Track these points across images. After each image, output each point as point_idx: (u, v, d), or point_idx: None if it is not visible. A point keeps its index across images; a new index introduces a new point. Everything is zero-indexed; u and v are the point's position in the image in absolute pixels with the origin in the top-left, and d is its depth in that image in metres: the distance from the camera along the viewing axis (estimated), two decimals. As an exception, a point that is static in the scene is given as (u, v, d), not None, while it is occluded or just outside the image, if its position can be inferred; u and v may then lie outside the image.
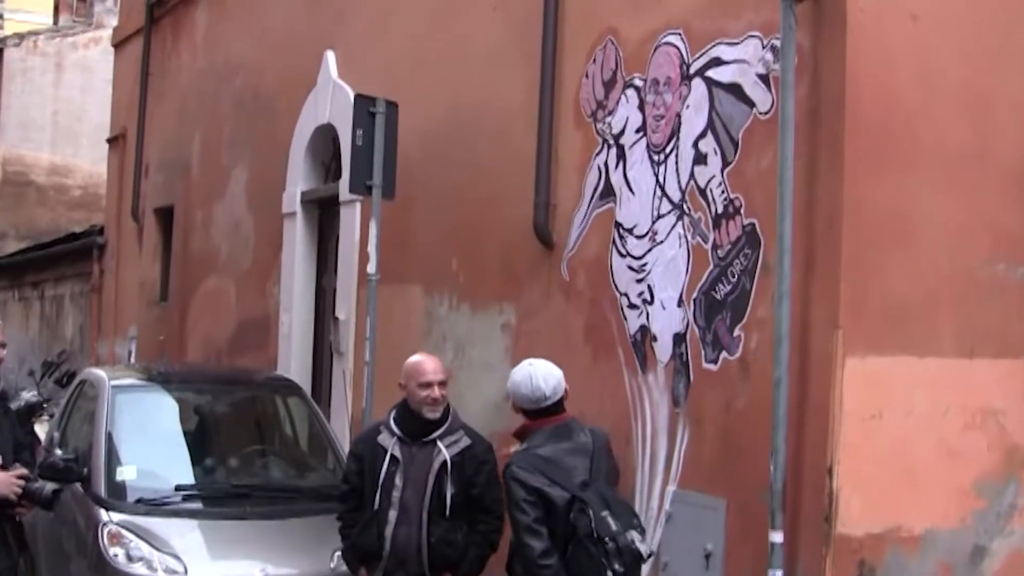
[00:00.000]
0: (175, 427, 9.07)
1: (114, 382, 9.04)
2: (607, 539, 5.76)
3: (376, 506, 6.65)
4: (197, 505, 8.09)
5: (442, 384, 6.70)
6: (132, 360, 16.96)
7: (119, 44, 19.26)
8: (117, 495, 7.93)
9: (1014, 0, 6.54)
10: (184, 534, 7.68)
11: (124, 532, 7.60)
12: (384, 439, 6.72)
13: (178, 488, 8.08)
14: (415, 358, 6.87)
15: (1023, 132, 6.53)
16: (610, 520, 5.82)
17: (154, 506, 7.88)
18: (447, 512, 6.59)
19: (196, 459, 8.73)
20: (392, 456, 6.65)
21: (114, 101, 19.61)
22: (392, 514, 6.62)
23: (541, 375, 6.14)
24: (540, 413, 6.10)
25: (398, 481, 6.62)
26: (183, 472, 8.42)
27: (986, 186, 6.44)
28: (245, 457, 9.05)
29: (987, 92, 6.47)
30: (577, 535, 5.79)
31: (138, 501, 7.88)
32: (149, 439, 8.77)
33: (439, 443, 6.65)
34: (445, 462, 6.61)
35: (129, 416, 8.67)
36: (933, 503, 6.28)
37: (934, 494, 6.28)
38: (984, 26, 6.47)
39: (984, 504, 6.38)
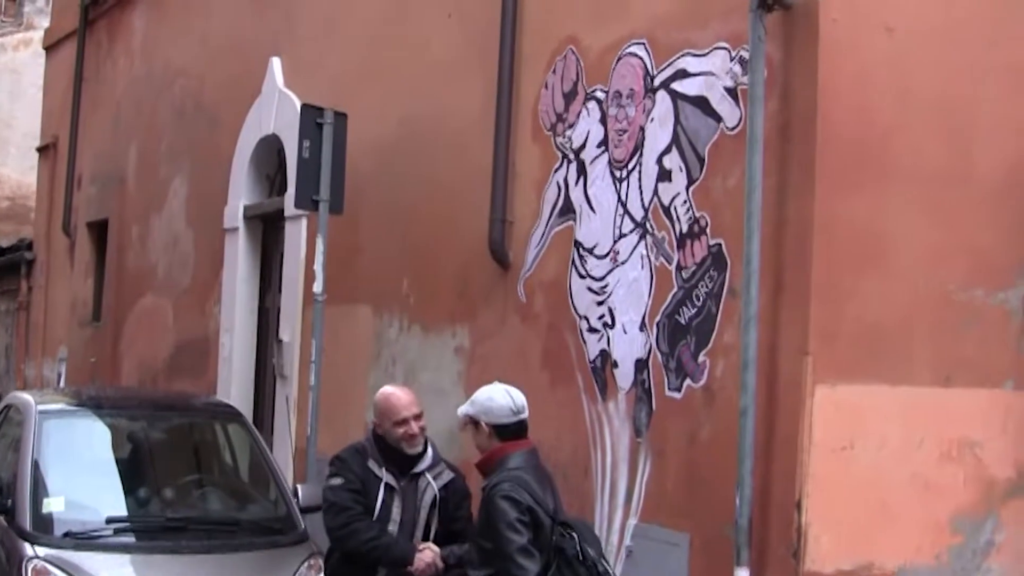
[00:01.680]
0: (107, 455, 8.98)
1: (41, 407, 8.94)
2: (593, 563, 5.81)
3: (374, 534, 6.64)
4: (129, 539, 8.01)
5: (417, 417, 6.66)
6: (61, 383, 16.84)
7: (51, 47, 19.19)
8: (43, 528, 7.83)
9: (993, 14, 6.59)
10: (115, 570, 7.60)
11: (50, 568, 7.51)
12: (374, 467, 6.69)
13: (109, 520, 7.99)
14: (385, 392, 6.80)
15: (1003, 150, 6.57)
16: (587, 547, 5.86)
17: (83, 540, 7.78)
18: None
19: (129, 490, 8.64)
20: (387, 485, 6.62)
21: (45, 107, 19.51)
22: None
23: (506, 390, 6.16)
24: (512, 433, 6.06)
25: (395, 514, 6.59)
26: (115, 503, 8.33)
27: (964, 207, 6.48)
28: (181, 488, 8.98)
29: (965, 109, 6.51)
30: (564, 557, 5.80)
31: (66, 535, 7.79)
32: (79, 468, 8.68)
33: (427, 475, 6.65)
34: (435, 496, 6.61)
35: (57, 443, 8.58)
36: (907, 539, 6.30)
37: (908, 529, 6.30)
38: (962, 40, 6.51)
39: (960, 540, 6.40)
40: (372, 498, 6.59)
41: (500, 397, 6.10)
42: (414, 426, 6.62)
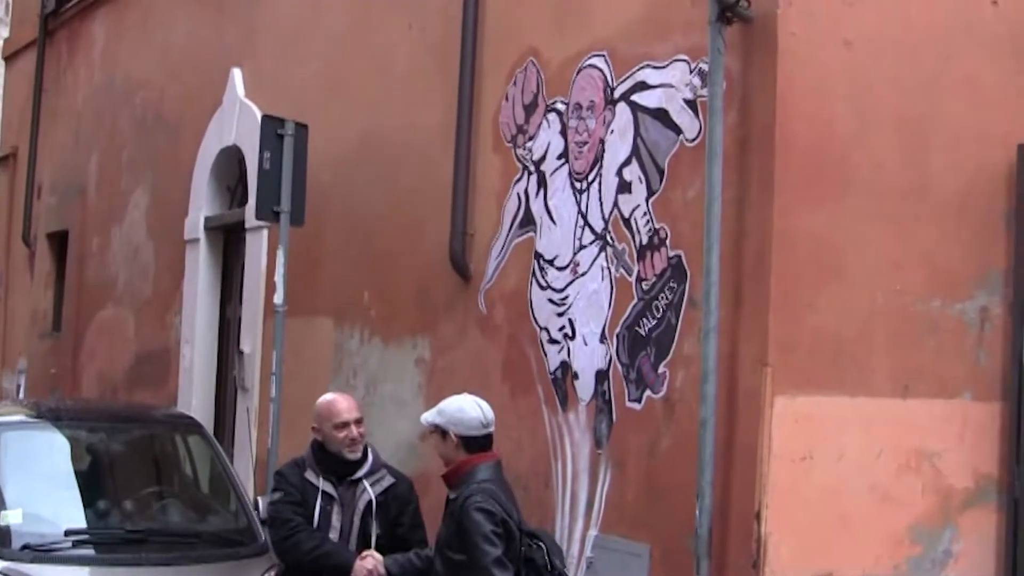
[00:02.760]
0: (66, 467, 8.90)
1: (0, 419, 8.89)
2: (559, 573, 5.89)
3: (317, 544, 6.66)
4: (89, 551, 7.93)
5: (358, 422, 6.69)
6: (20, 395, 16.71)
7: (10, 57, 19.06)
8: (1, 541, 7.77)
9: (950, 28, 6.63)
10: (74, 582, 7.56)
11: (8, 580, 7.48)
12: (311, 477, 6.71)
13: (68, 533, 7.92)
14: (327, 397, 6.84)
15: (960, 163, 6.61)
16: (553, 557, 5.89)
17: (41, 552, 7.71)
18: None
19: (88, 502, 8.57)
20: (325, 493, 6.63)
21: (4, 118, 19.36)
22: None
23: (475, 401, 6.16)
24: (478, 444, 6.04)
25: (334, 521, 6.61)
26: (74, 516, 8.26)
27: (922, 219, 6.51)
28: (141, 500, 8.91)
29: (923, 122, 6.55)
30: (534, 567, 5.85)
31: (24, 547, 7.71)
32: (37, 480, 8.60)
33: (364, 482, 6.64)
34: (371, 502, 6.61)
35: (15, 455, 8.51)
36: (866, 549, 6.31)
37: (867, 540, 6.32)
38: (920, 53, 6.55)
39: (919, 550, 6.43)
40: (311, 508, 6.63)
41: (471, 409, 6.09)
42: (354, 430, 6.65)
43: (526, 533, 5.93)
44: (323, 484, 6.64)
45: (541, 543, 5.90)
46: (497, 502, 5.85)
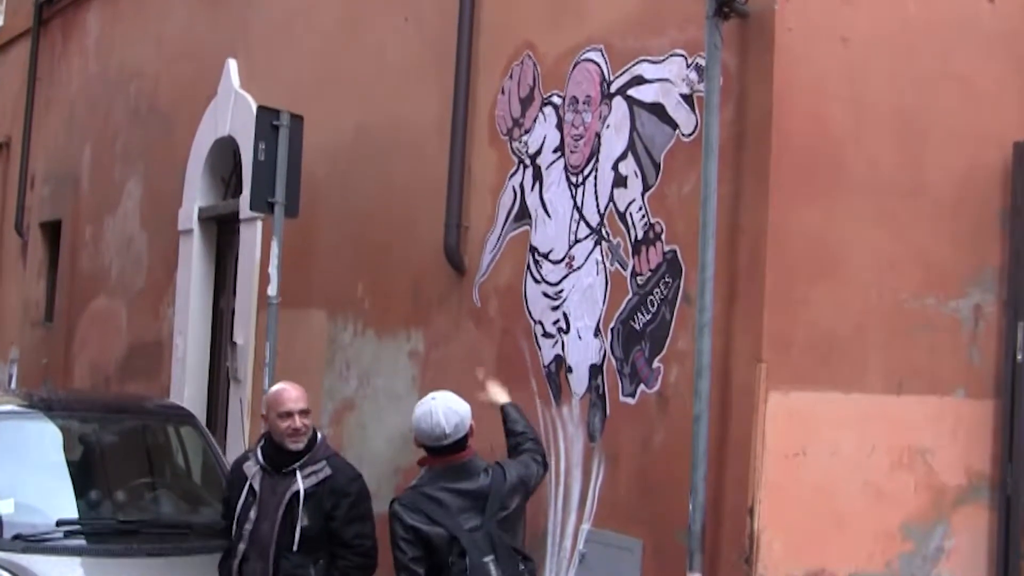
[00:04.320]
0: (58, 458, 8.90)
1: (-8, 409, 8.89)
2: None
3: (232, 538, 6.72)
4: (80, 542, 7.93)
5: (304, 413, 6.67)
6: (12, 385, 16.69)
7: (4, 46, 19.02)
8: (-8, 531, 7.79)
9: (947, 26, 6.65)
10: (65, 573, 7.51)
11: None
12: (248, 467, 6.76)
13: (60, 523, 7.92)
14: (276, 387, 6.85)
15: (955, 161, 6.62)
16: (491, 567, 5.76)
17: (33, 543, 7.70)
18: (295, 545, 6.55)
19: (80, 492, 8.56)
20: (250, 487, 6.68)
21: (-2, 107, 19.37)
22: (242, 547, 6.64)
23: (442, 411, 5.88)
24: (438, 451, 5.92)
25: (252, 514, 6.64)
26: (66, 506, 8.25)
27: (917, 216, 6.52)
28: (133, 491, 8.90)
29: (919, 119, 6.56)
30: None
31: (15, 537, 7.71)
32: (29, 470, 8.59)
33: (297, 473, 6.64)
34: (297, 493, 6.59)
35: (7, 446, 8.50)
36: (858, 545, 6.33)
37: (859, 536, 6.33)
38: (917, 51, 6.56)
39: (911, 547, 6.45)
40: (236, 500, 6.72)
41: (424, 423, 5.88)
42: (298, 421, 6.63)
43: (458, 541, 5.79)
44: (253, 477, 6.67)
45: (465, 554, 5.78)
46: (419, 508, 5.77)
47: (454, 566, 5.75)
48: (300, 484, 6.59)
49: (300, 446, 6.65)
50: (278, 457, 6.67)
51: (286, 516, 6.57)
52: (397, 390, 8.97)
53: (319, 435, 6.79)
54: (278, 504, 6.60)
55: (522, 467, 6.12)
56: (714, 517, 6.25)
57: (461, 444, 5.95)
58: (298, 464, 6.64)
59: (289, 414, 6.63)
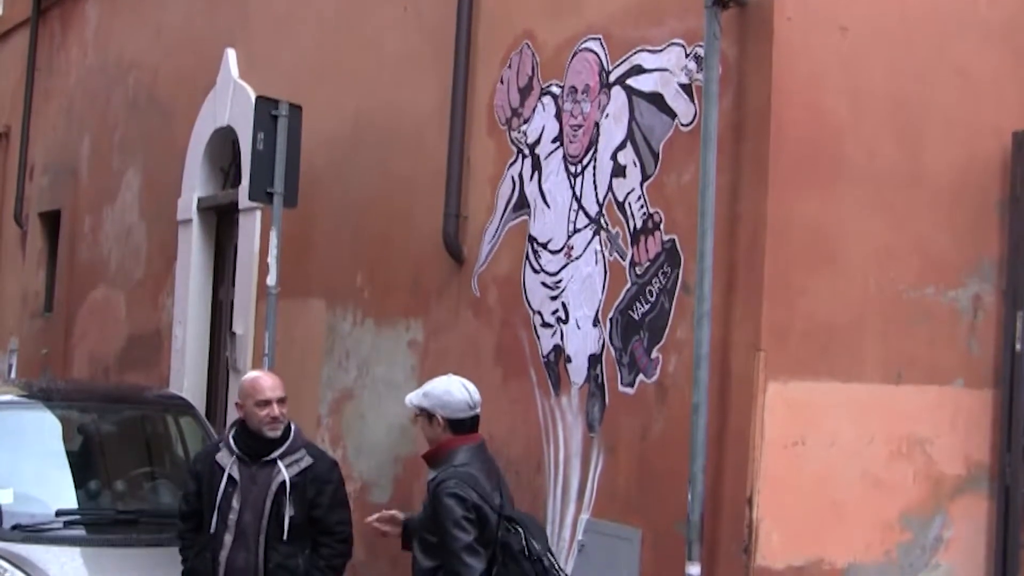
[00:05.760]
0: (57, 447, 8.92)
1: (-9, 399, 8.90)
2: (538, 557, 5.77)
3: (213, 529, 6.68)
4: (80, 532, 7.95)
5: (281, 401, 6.71)
6: (12, 375, 16.70)
7: (2, 36, 19.00)
8: (-9, 521, 7.79)
9: (946, 15, 6.64)
10: (65, 563, 7.53)
11: (-1, 560, 7.47)
12: (223, 458, 6.75)
13: (59, 513, 7.94)
14: (251, 374, 6.90)
15: (954, 151, 6.62)
16: (533, 541, 5.83)
17: (32, 533, 7.73)
18: (284, 535, 6.60)
19: (79, 482, 8.58)
20: (230, 476, 6.67)
21: (-4, 97, 19.36)
22: (228, 538, 6.65)
23: (463, 383, 6.05)
24: (465, 427, 5.97)
25: (235, 503, 6.64)
26: (65, 496, 8.28)
27: (915, 206, 6.52)
28: (132, 480, 8.92)
29: (917, 109, 6.55)
30: (510, 552, 5.74)
31: (15, 527, 7.73)
32: (28, 460, 8.61)
33: (279, 463, 6.64)
34: (284, 483, 6.61)
35: (6, 435, 8.53)
36: (857, 535, 6.33)
37: (858, 526, 6.33)
38: (915, 41, 6.55)
39: (909, 537, 6.45)
40: (214, 492, 6.68)
41: (458, 391, 5.99)
42: (276, 409, 6.66)
43: (505, 517, 5.87)
44: (231, 467, 6.66)
45: (519, 527, 5.85)
46: (473, 487, 5.77)
47: (510, 539, 5.75)
48: (285, 474, 6.61)
49: (278, 434, 6.69)
50: (255, 446, 6.68)
51: (274, 506, 6.59)
52: (396, 379, 8.97)
53: (292, 424, 6.81)
54: (263, 494, 6.62)
55: None
56: (713, 507, 6.25)
57: (479, 420, 6.08)
58: (278, 453, 6.66)
59: (267, 402, 6.65)
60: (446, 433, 5.96)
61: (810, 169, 6.28)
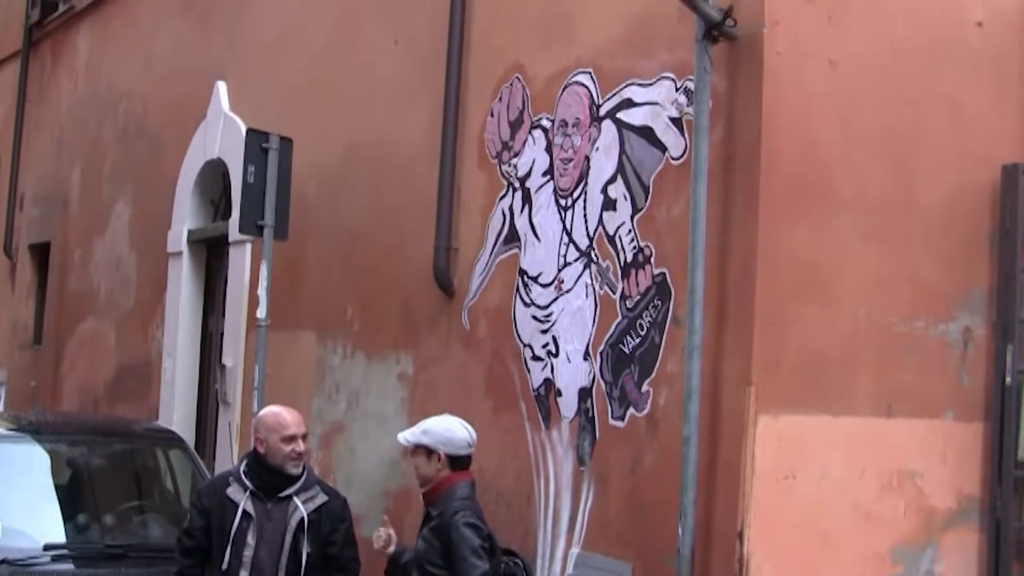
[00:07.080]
0: (45, 481, 8.89)
1: (-21, 432, 8.88)
2: None
3: (226, 565, 6.58)
4: (68, 566, 7.92)
5: (304, 437, 6.71)
6: (1, 407, 16.65)
7: (-7, 67, 19.05)
8: (-21, 554, 7.76)
9: (935, 48, 6.67)
10: (53, 598, 7.54)
11: (-13, 595, 7.46)
12: (235, 492, 6.65)
13: (47, 547, 7.91)
14: (273, 409, 6.84)
15: (944, 183, 6.64)
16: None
17: (20, 567, 7.70)
18: (302, 572, 6.57)
19: (68, 516, 8.55)
20: (244, 512, 6.60)
21: (-13, 128, 19.37)
22: (243, 574, 6.59)
23: (461, 423, 6.32)
24: (462, 463, 6.21)
25: (250, 539, 6.57)
26: (53, 530, 8.24)
27: (906, 238, 6.54)
28: (121, 514, 8.90)
29: (907, 141, 6.58)
30: None
31: (3, 561, 7.69)
32: (16, 494, 8.58)
33: (295, 499, 6.62)
34: (303, 519, 6.58)
35: (-6, 468, 8.51)
36: (848, 569, 6.32)
37: (849, 559, 6.33)
38: (905, 73, 6.58)
39: (900, 570, 6.44)
40: (227, 526, 6.59)
41: (459, 430, 6.24)
42: (301, 445, 6.65)
43: (506, 550, 6.00)
44: (245, 502, 6.62)
45: (518, 559, 6.02)
46: (483, 520, 6.03)
47: (515, 569, 6.04)
48: (303, 511, 6.60)
49: (300, 470, 6.66)
50: (273, 481, 6.64)
51: (293, 543, 6.57)
52: (386, 412, 8.97)
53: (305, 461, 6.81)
54: (281, 531, 6.58)
55: None
56: (703, 540, 6.25)
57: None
58: (294, 489, 6.64)
59: (293, 438, 6.63)
60: (445, 470, 6.17)
61: (801, 201, 6.30)
